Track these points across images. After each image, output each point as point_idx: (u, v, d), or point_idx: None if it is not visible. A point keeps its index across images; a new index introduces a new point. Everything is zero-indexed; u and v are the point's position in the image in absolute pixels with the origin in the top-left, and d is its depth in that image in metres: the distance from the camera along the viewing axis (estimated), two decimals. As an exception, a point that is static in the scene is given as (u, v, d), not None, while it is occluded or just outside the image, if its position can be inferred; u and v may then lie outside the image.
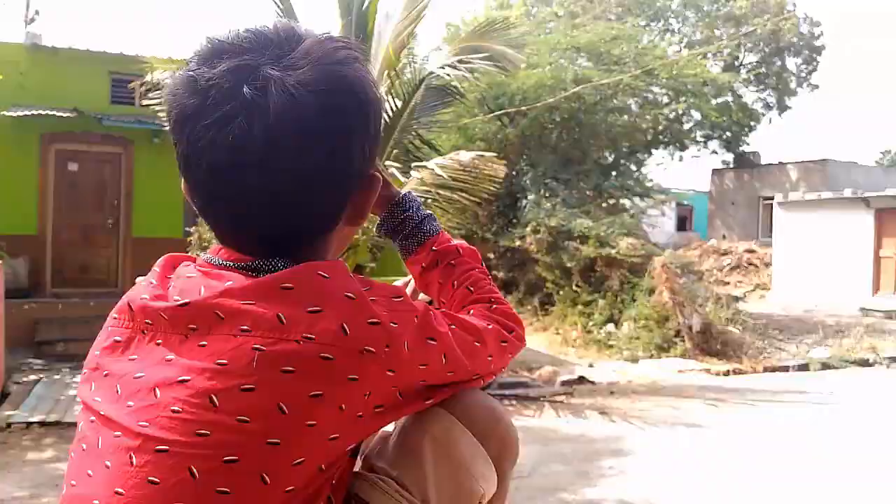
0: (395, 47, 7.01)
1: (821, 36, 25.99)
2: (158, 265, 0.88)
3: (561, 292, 12.20)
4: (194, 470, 0.71)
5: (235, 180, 0.78)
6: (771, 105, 26.02)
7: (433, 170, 5.88)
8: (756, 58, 25.68)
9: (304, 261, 0.81)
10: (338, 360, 0.74)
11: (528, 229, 12.82)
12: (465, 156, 6.14)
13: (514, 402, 7.23)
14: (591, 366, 9.45)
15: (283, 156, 0.77)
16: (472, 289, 1.08)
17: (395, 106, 6.99)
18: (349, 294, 0.78)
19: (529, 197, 14.46)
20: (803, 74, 26.27)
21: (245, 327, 0.74)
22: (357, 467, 0.95)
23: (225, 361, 0.73)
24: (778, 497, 4.49)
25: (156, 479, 0.72)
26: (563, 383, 8.21)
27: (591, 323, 11.33)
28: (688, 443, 5.80)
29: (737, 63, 25.14)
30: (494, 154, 6.43)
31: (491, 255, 13.88)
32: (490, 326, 0.98)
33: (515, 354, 1.04)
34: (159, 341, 0.79)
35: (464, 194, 6.06)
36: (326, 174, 0.81)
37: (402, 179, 6.01)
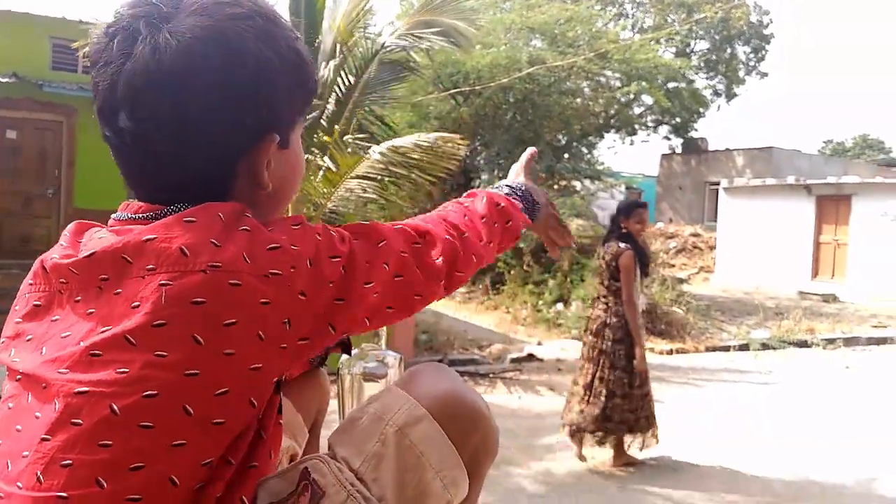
0: (347, 21, 6.92)
1: (770, 24, 26.51)
2: (68, 230, 0.88)
3: (512, 272, 12.31)
4: (115, 407, 0.71)
5: (111, 131, 0.84)
6: (720, 92, 26.47)
7: (392, 147, 5.87)
8: (707, 45, 26.06)
9: None
10: (246, 285, 0.75)
11: (481, 209, 12.86)
12: (430, 136, 6.18)
13: (464, 378, 7.29)
14: (539, 344, 9.57)
15: (143, 109, 0.80)
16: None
17: (348, 81, 6.90)
18: (245, 227, 0.79)
19: (483, 177, 14.51)
20: (752, 63, 26.77)
21: (150, 266, 0.75)
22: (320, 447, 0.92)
23: (137, 303, 0.74)
24: (718, 470, 4.64)
25: (78, 420, 0.72)
26: (513, 360, 8.31)
27: (540, 302, 11.47)
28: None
29: (688, 50, 25.49)
30: (459, 136, 6.42)
31: (443, 234, 13.90)
32: (398, 227, 0.95)
33: (443, 253, 0.96)
34: (78, 298, 0.80)
35: (420, 172, 6.04)
36: (192, 131, 0.82)
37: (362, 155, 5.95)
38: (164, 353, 0.72)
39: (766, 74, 27.15)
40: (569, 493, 4.26)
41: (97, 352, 0.74)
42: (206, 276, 0.74)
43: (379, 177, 5.92)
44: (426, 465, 0.86)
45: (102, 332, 0.75)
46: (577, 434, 4.63)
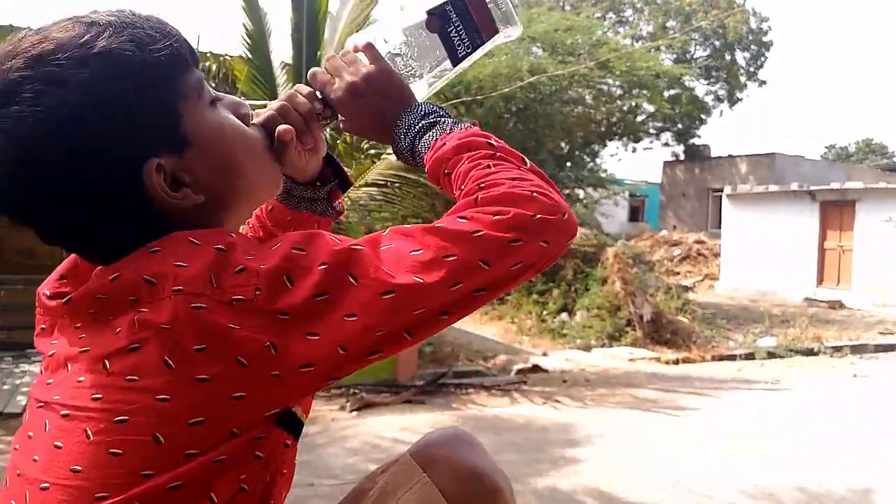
0: (348, 33, 6.95)
1: (769, 31, 26.57)
2: (59, 268, 0.90)
3: (516, 281, 12.31)
4: (89, 432, 0.72)
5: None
6: (721, 98, 26.53)
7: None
8: (706, 52, 26.11)
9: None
10: (211, 309, 0.71)
11: (484, 218, 12.87)
12: None
13: (468, 390, 7.26)
14: (544, 354, 9.54)
15: (10, 193, 0.78)
16: (463, 188, 0.87)
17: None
18: (220, 246, 0.74)
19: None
20: (752, 69, 26.83)
21: (133, 298, 0.74)
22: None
23: (119, 329, 0.74)
24: (730, 480, 4.59)
25: (59, 444, 0.73)
26: (517, 372, 8.28)
27: (545, 312, 11.44)
28: (638, 431, 5.90)
29: (688, 56, 25.54)
30: None
31: (446, 244, 13.92)
32: (439, 225, 0.78)
33: (532, 238, 0.79)
34: (78, 325, 0.79)
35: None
36: (62, 202, 0.77)
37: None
38: (136, 378, 0.71)
39: (764, 82, 27.14)
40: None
41: (81, 378, 0.74)
42: (171, 300, 0.71)
43: (388, 182, 5.93)
44: None
45: (84, 353, 0.76)
46: None
